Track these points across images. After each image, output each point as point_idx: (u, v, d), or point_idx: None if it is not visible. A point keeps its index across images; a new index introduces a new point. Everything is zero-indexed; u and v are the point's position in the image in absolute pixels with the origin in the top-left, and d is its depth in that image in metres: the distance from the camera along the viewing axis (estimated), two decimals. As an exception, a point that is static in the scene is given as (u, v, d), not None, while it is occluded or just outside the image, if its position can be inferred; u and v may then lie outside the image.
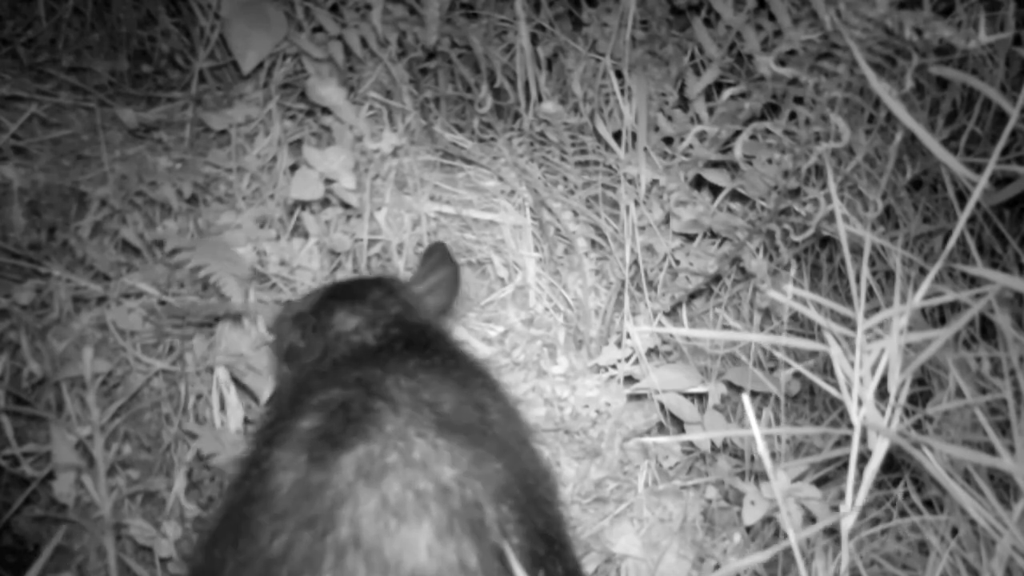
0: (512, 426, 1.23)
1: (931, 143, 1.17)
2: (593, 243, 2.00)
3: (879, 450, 1.15)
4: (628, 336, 1.88)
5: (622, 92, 1.91)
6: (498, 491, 1.05)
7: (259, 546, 0.98)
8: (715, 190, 1.87)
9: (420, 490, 1.00)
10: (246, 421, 1.73)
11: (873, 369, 1.16)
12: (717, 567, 1.70)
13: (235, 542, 1.01)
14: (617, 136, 1.93)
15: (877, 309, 1.50)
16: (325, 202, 1.89)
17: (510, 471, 1.09)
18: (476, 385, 1.25)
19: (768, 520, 1.67)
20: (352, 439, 1.04)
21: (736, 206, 1.85)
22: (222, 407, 1.74)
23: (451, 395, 1.18)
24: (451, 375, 1.24)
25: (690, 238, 1.93)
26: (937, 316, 1.69)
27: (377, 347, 1.35)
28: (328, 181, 1.82)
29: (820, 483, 1.62)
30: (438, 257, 1.60)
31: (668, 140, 1.92)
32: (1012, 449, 1.21)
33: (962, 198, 1.54)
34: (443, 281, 1.58)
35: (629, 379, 1.87)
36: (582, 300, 1.95)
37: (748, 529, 1.74)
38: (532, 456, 1.24)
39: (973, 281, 1.59)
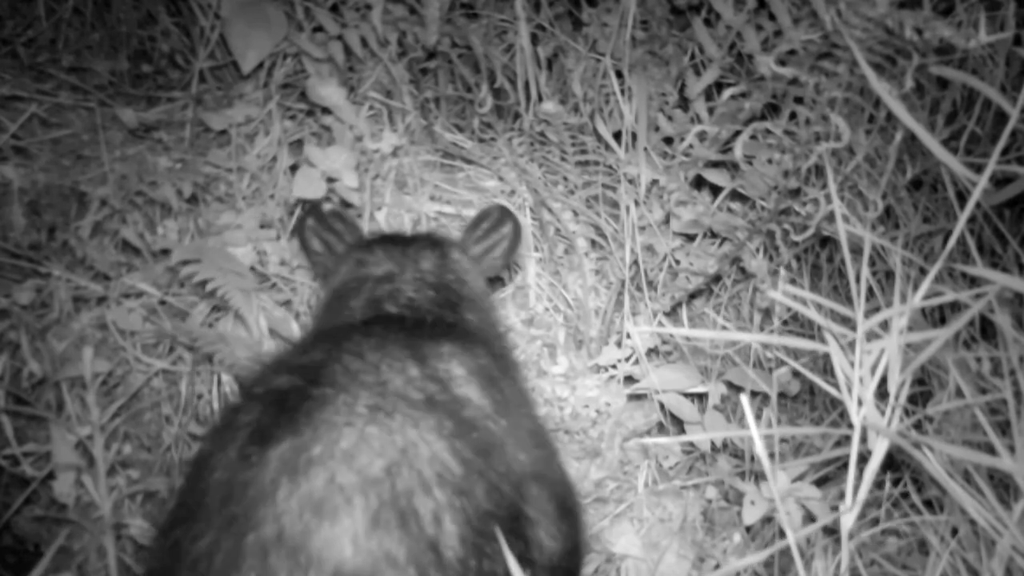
0: (488, 403, 1.19)
1: (931, 143, 1.17)
2: (593, 243, 2.00)
3: (879, 450, 1.15)
4: (628, 336, 1.88)
5: (622, 92, 1.91)
6: (433, 477, 1.01)
7: (184, 548, 0.97)
8: (715, 190, 1.87)
9: (344, 484, 0.97)
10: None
11: (873, 369, 1.16)
12: (717, 567, 1.70)
13: (171, 546, 1.01)
14: (617, 136, 1.93)
15: (877, 309, 1.50)
16: (326, 201, 1.89)
17: (453, 451, 1.06)
18: (445, 357, 1.21)
19: (768, 520, 1.67)
20: (281, 432, 1.02)
21: (736, 206, 1.85)
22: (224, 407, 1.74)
23: (403, 372, 1.14)
24: (417, 347, 1.20)
25: (690, 238, 1.93)
26: (937, 316, 1.69)
27: (393, 317, 1.38)
28: (330, 180, 1.82)
29: (820, 483, 1.62)
30: (497, 217, 1.66)
31: (668, 140, 1.92)
32: (1012, 449, 1.21)
33: (962, 198, 1.54)
34: (502, 239, 1.65)
35: (629, 379, 1.87)
36: (582, 300, 1.95)
37: (748, 529, 1.74)
38: (503, 431, 1.19)
39: (973, 281, 1.59)
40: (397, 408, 1.07)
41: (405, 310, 1.41)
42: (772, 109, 1.68)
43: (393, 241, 1.57)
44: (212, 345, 1.64)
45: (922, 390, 1.58)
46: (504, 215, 1.66)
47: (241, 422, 1.07)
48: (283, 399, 1.08)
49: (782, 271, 1.83)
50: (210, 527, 0.97)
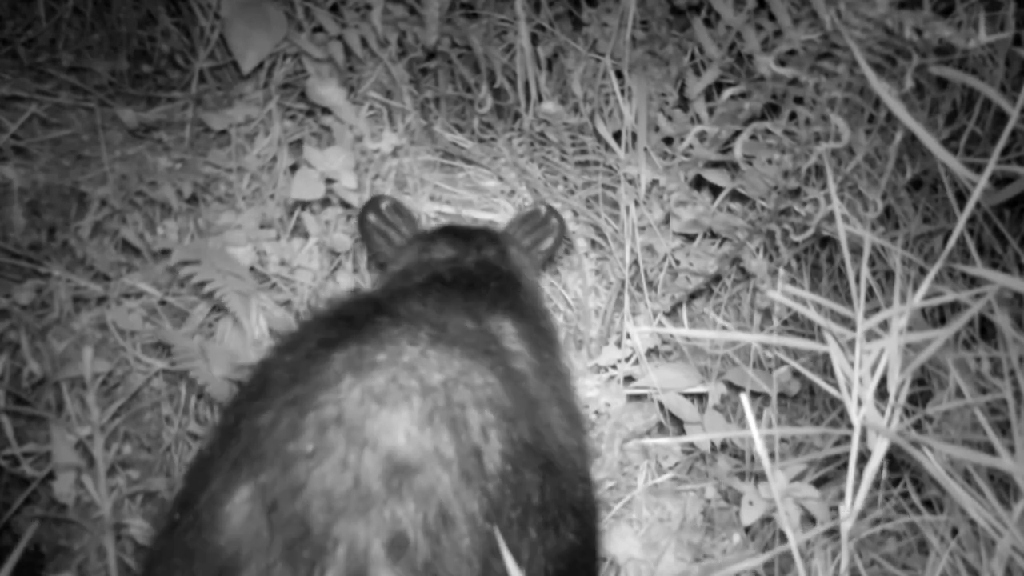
0: (534, 365, 1.29)
1: (931, 143, 1.17)
2: (593, 243, 2.00)
3: (879, 450, 1.15)
4: (628, 336, 1.88)
5: (622, 92, 1.91)
6: (485, 399, 1.08)
7: (245, 422, 1.04)
8: (715, 190, 1.87)
9: (404, 385, 1.05)
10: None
11: (873, 369, 1.16)
12: (717, 568, 1.70)
13: (234, 420, 1.07)
14: (617, 136, 1.93)
15: (877, 309, 1.50)
16: (325, 202, 1.89)
17: (504, 389, 1.13)
18: (501, 321, 1.32)
19: (768, 520, 1.67)
20: (347, 341, 1.11)
21: (736, 206, 1.85)
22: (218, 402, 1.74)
23: (460, 321, 1.25)
24: (473, 306, 1.32)
25: (690, 238, 1.93)
26: (937, 316, 1.69)
27: (450, 281, 1.47)
28: (329, 181, 1.82)
29: (820, 483, 1.62)
30: (544, 214, 1.77)
31: (668, 140, 1.92)
32: (1012, 449, 1.21)
33: (962, 198, 1.54)
34: (548, 234, 1.76)
35: (629, 379, 1.87)
36: (582, 300, 1.95)
37: (747, 529, 1.74)
38: (548, 392, 1.28)
39: (973, 281, 1.59)
40: (456, 342, 1.16)
41: (464, 280, 1.51)
42: (772, 109, 1.68)
43: (455, 233, 1.68)
44: (189, 362, 1.64)
45: (922, 390, 1.58)
46: (550, 213, 1.77)
47: (309, 334, 1.17)
48: (350, 318, 1.19)
49: (781, 271, 1.83)
50: (273, 405, 1.04)
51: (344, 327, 1.15)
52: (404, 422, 1.01)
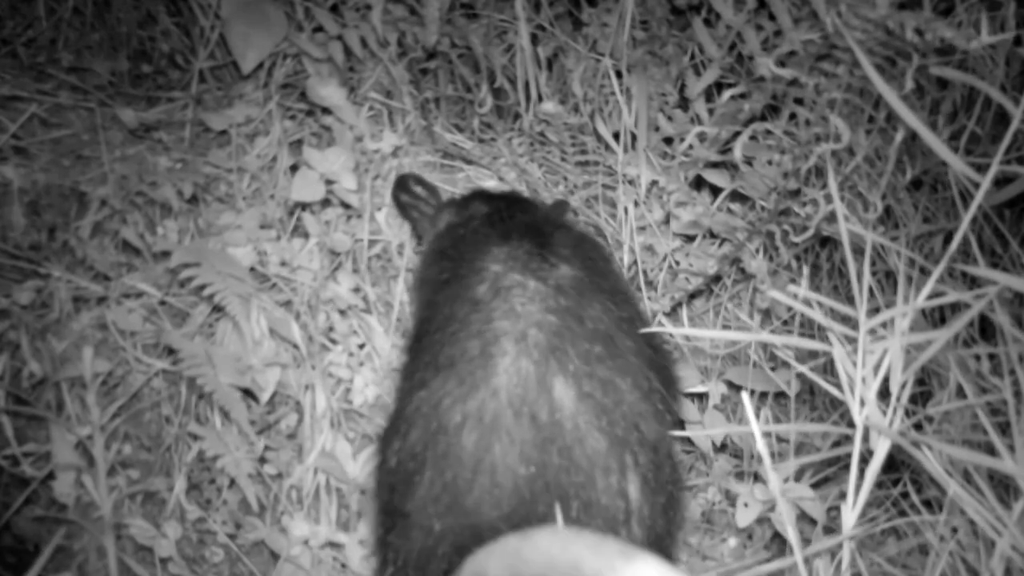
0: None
1: (934, 143, 1.17)
2: (593, 243, 2.00)
3: (881, 450, 1.15)
4: (628, 336, 1.88)
5: (622, 92, 1.91)
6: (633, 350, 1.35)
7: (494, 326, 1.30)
8: (715, 190, 1.87)
9: (589, 314, 1.33)
10: (252, 423, 1.72)
11: (875, 369, 1.16)
12: (715, 570, 1.70)
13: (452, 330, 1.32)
14: (617, 136, 1.93)
15: (877, 309, 1.50)
16: (325, 202, 1.89)
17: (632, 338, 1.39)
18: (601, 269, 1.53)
19: (765, 519, 1.67)
20: (534, 271, 1.38)
21: (736, 206, 1.85)
22: (224, 408, 1.74)
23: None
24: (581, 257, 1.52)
25: (690, 238, 1.93)
26: (937, 315, 1.70)
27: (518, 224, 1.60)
28: (328, 182, 1.82)
29: (820, 483, 1.62)
30: (562, 208, 1.91)
31: (668, 140, 1.92)
32: (1012, 449, 1.22)
33: (962, 198, 1.55)
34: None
35: (629, 379, 1.86)
36: (582, 300, 1.95)
37: (742, 529, 1.74)
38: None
39: (973, 280, 1.60)
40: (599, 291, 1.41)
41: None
42: (772, 110, 1.68)
43: (489, 195, 1.82)
44: (197, 368, 1.64)
45: (922, 390, 1.58)
46: (564, 207, 1.90)
47: (493, 270, 1.40)
48: (529, 254, 1.43)
49: (791, 272, 1.83)
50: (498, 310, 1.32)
51: (524, 259, 1.41)
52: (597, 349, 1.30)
